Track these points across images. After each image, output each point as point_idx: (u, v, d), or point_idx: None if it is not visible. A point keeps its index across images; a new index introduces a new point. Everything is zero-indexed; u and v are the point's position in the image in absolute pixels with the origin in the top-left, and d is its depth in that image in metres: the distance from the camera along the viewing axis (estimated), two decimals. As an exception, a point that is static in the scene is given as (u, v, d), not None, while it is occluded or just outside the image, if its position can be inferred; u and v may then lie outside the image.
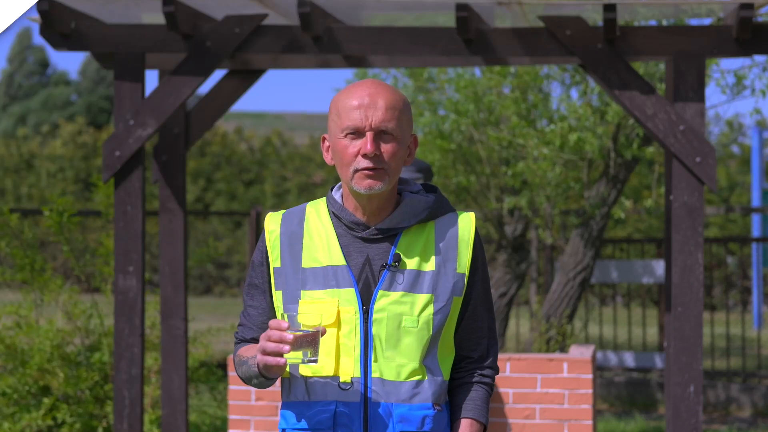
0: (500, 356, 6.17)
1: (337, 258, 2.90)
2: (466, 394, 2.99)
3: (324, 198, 3.02)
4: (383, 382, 2.87)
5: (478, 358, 3.01)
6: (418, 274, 2.90)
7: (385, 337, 2.87)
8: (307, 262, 2.92)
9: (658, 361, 11.13)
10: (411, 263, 2.90)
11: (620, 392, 10.89)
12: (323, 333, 2.80)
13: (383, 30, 5.85)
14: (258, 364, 2.85)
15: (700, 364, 5.63)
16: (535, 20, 5.94)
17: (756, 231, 16.29)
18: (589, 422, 6.07)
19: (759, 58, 9.00)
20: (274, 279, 2.96)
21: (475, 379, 3.00)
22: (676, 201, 5.70)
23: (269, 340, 2.77)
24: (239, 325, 3.05)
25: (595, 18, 6.25)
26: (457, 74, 9.26)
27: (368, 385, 2.87)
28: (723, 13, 5.90)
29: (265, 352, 2.78)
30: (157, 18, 5.98)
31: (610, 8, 5.56)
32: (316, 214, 2.97)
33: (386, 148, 2.87)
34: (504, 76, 9.05)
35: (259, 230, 11.18)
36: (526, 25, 5.97)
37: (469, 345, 3.00)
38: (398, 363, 2.88)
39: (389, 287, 2.88)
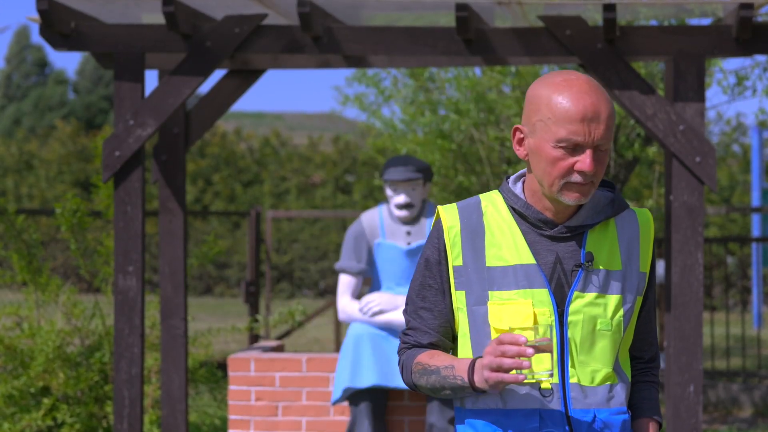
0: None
1: (526, 257, 2.74)
2: (642, 393, 2.89)
3: (496, 191, 2.86)
4: (581, 388, 2.73)
5: (648, 359, 2.92)
6: (607, 274, 2.76)
7: (580, 341, 2.73)
8: (491, 261, 2.75)
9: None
10: (600, 263, 2.76)
11: (620, 392, 10.87)
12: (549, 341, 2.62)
13: (383, 30, 5.85)
14: (486, 380, 2.64)
15: (700, 364, 5.63)
16: (535, 20, 5.94)
17: (756, 231, 16.28)
18: (589, 422, 6.06)
19: (760, 59, 9.01)
20: (455, 278, 2.78)
21: (647, 378, 2.91)
22: (676, 201, 5.69)
23: (504, 355, 2.59)
24: (410, 328, 2.85)
25: (595, 18, 6.25)
26: (458, 73, 9.26)
27: (567, 392, 2.73)
28: (723, 13, 5.90)
29: (501, 369, 2.60)
30: (157, 18, 5.98)
31: (609, 8, 5.55)
32: (494, 208, 2.80)
33: (600, 162, 2.71)
34: (505, 75, 9.05)
35: (259, 230, 11.14)
36: (526, 25, 5.96)
37: (642, 346, 2.90)
38: (592, 368, 2.74)
39: (583, 288, 2.73)
